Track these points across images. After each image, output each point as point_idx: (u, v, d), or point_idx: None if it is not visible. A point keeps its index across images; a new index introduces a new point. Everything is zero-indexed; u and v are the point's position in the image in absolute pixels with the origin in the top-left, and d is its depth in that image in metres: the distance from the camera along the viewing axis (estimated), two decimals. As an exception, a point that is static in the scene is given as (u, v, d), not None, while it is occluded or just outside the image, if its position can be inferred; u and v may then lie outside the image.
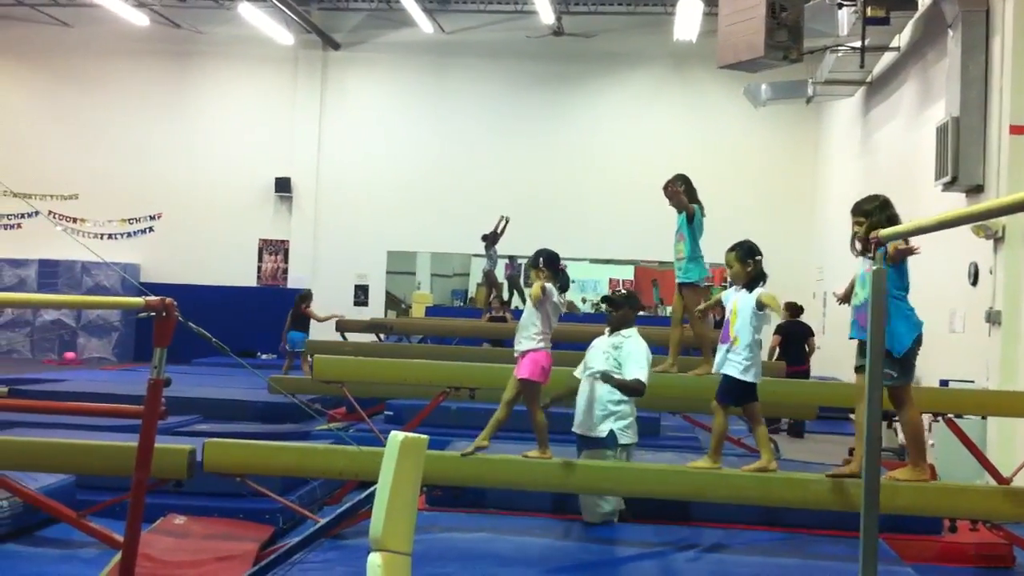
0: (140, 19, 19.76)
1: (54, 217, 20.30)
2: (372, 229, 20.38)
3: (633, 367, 5.85)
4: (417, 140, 20.62)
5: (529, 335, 5.65)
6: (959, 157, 10.01)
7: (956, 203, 10.30)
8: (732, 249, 5.70)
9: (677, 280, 7.16)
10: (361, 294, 20.65)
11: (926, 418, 9.83)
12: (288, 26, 19.72)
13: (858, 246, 5.25)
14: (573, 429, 6.13)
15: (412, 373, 7.91)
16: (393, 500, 3.21)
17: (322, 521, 5.34)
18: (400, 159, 20.56)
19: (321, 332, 15.03)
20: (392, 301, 21.14)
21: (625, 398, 5.96)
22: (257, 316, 19.65)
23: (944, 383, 9.87)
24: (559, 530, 5.83)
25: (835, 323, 16.53)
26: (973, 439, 7.35)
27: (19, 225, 20.94)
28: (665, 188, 7.09)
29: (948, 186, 10.29)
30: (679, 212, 7.08)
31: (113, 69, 21.18)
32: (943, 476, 8.95)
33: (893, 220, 5.11)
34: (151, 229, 21.06)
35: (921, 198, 11.55)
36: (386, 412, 9.64)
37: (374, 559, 3.15)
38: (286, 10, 18.57)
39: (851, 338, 5.25)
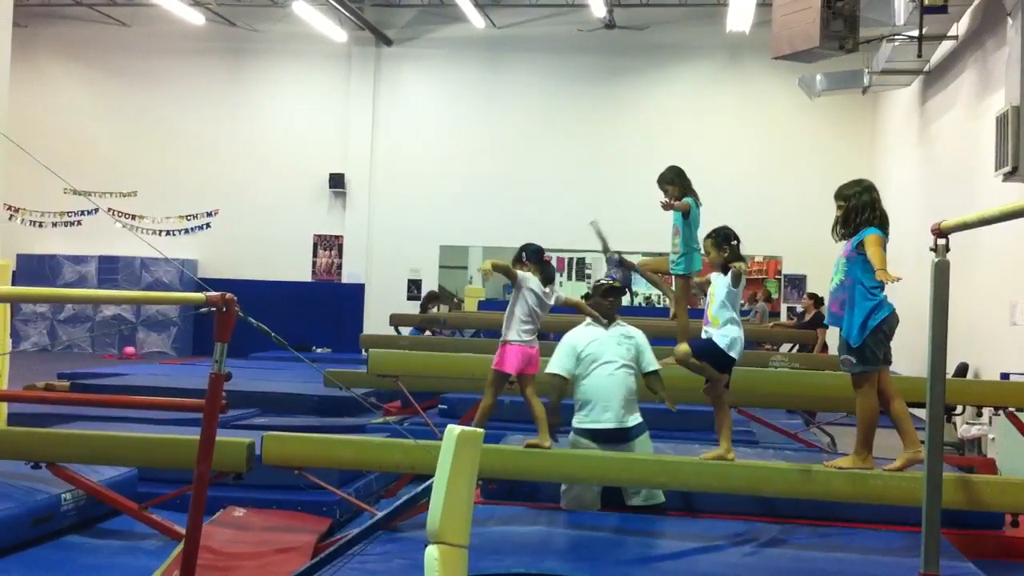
0: (196, 18, 20.01)
1: (113, 214, 20.62)
2: (424, 224, 20.47)
3: (653, 357, 6.14)
4: (469, 135, 20.67)
5: (507, 326, 5.90)
6: (1020, 147, 9.85)
7: (1017, 194, 10.12)
8: (708, 236, 5.78)
9: (671, 272, 7.31)
10: (414, 288, 20.75)
11: (987, 412, 9.72)
12: (341, 23, 19.86)
13: (839, 230, 5.29)
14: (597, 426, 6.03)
15: (466, 367, 7.94)
16: (450, 493, 3.22)
17: (380, 514, 5.36)
18: (452, 154, 20.63)
19: (375, 327, 15.14)
20: (445, 295, 21.20)
21: None
22: (312, 310, 19.88)
23: (1005, 376, 9.72)
24: (614, 524, 5.82)
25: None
26: (1036, 433, 7.23)
27: (79, 222, 21.32)
28: (659, 183, 7.15)
29: (1008, 176, 10.13)
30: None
31: (170, 67, 21.48)
32: (1004, 470, 8.81)
33: (874, 204, 5.17)
34: (208, 225, 21.32)
35: (981, 188, 11.38)
36: (440, 406, 9.68)
37: (432, 551, 3.17)
38: (339, 7, 18.69)
39: (825, 324, 5.32)
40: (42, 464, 5.54)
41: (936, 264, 3.65)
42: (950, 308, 3.81)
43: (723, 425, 5.60)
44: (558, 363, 6.07)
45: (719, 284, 5.58)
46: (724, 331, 5.52)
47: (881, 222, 5.16)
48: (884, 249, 5.02)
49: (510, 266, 5.95)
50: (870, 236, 5.04)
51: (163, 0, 18.76)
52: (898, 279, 4.72)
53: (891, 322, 5.11)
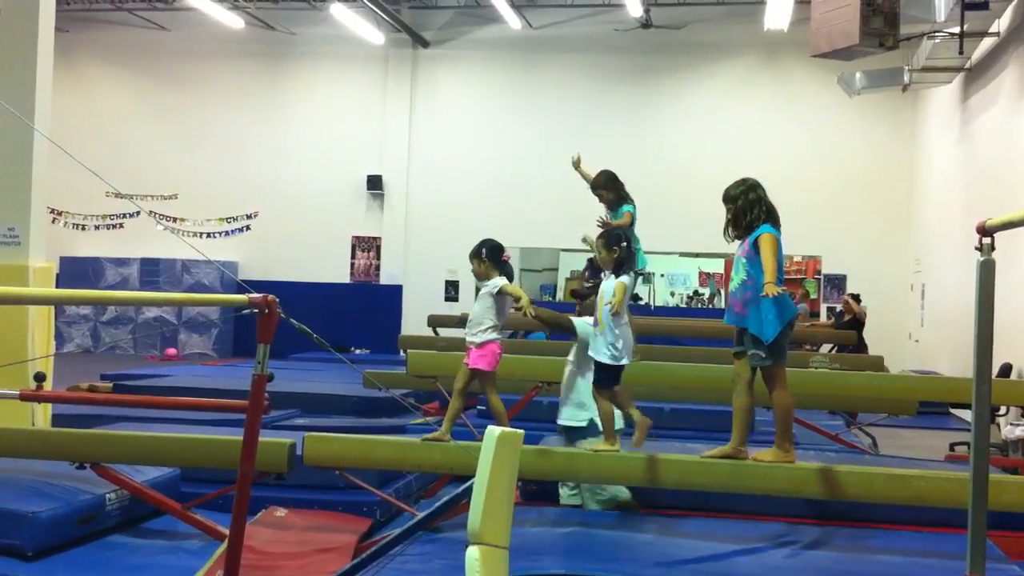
0: (235, 22, 20.17)
1: (155, 217, 20.83)
2: (462, 225, 20.41)
3: None
4: (506, 136, 20.68)
5: (485, 328, 5.97)
6: (1064, 144, 9.74)
7: (1061, 191, 10.00)
8: (599, 237, 5.95)
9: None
10: (451, 289, 20.80)
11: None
12: (378, 25, 19.95)
13: (731, 232, 5.37)
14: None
15: (504, 368, 7.90)
16: (491, 494, 3.23)
17: (420, 514, 5.38)
18: (489, 155, 20.65)
19: (414, 328, 15.14)
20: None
21: None
22: (350, 312, 19.98)
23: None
24: (654, 525, 5.80)
25: (933, 316, 16.15)
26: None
27: (121, 225, 21.56)
28: (593, 190, 7.20)
29: (1052, 174, 10.02)
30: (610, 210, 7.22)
31: (210, 71, 21.67)
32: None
33: (760, 200, 5.27)
34: (248, 228, 21.48)
35: (1023, 186, 11.26)
36: (478, 407, 9.68)
37: (472, 552, 3.18)
38: (376, 10, 18.79)
39: (726, 323, 5.37)
40: (86, 464, 5.59)
41: (982, 263, 3.59)
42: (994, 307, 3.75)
43: (604, 417, 5.65)
44: None
45: (605, 287, 5.64)
46: (601, 344, 5.54)
47: (769, 216, 5.22)
48: (779, 248, 5.12)
49: (520, 292, 6.02)
50: (764, 236, 5.13)
51: (202, 4, 18.95)
52: (781, 292, 4.91)
53: (795, 318, 5.27)
